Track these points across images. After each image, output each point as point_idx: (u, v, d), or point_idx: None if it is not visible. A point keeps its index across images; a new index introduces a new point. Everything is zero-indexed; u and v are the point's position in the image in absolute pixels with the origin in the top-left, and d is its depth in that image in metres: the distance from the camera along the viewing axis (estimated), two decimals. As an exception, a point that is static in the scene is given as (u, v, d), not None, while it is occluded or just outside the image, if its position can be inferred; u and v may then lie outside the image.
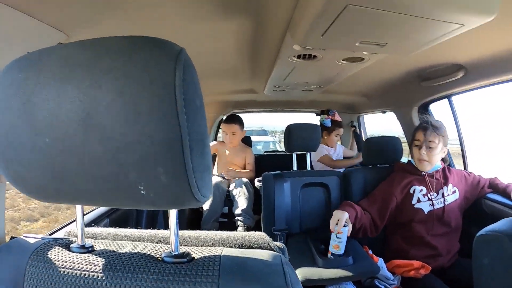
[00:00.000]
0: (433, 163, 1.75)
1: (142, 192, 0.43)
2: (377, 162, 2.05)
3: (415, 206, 1.73)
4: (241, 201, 2.60)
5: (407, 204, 1.75)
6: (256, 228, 2.53)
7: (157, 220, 2.18)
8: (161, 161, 0.41)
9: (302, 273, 1.45)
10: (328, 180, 2.07)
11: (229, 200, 2.75)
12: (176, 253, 0.54)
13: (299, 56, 1.53)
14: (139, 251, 0.56)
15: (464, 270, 1.59)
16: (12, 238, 0.67)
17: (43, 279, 0.54)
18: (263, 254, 0.54)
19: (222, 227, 2.84)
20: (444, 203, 1.71)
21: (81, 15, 1.02)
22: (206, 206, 2.62)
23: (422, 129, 1.75)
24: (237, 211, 2.59)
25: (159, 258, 0.54)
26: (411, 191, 1.76)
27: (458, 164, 2.11)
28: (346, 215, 1.58)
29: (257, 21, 1.25)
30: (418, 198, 1.74)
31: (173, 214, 0.54)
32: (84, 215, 0.63)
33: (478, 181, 1.81)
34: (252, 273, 0.51)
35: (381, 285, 1.55)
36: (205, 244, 0.63)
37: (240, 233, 0.64)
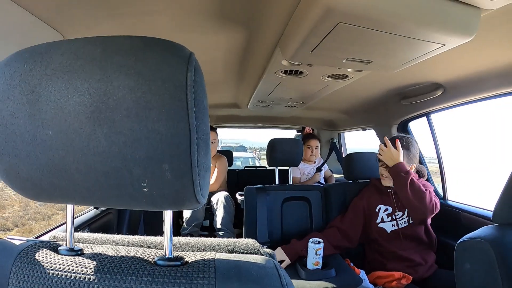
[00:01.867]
0: None
1: (145, 189, 0.43)
2: (358, 178, 2.10)
3: (379, 225, 1.78)
4: (221, 215, 2.60)
5: (372, 222, 1.80)
6: (237, 242, 2.51)
7: (138, 233, 2.12)
8: (168, 158, 0.41)
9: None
10: (309, 194, 2.11)
11: (210, 214, 2.74)
12: (170, 256, 0.53)
13: (285, 72, 1.57)
14: (131, 254, 0.55)
15: (444, 280, 1.63)
16: None
17: (29, 281, 0.51)
18: (256, 258, 0.54)
19: None
20: (408, 221, 1.75)
21: (78, 17, 1.03)
22: (187, 214, 2.62)
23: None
24: (217, 225, 2.59)
25: (152, 262, 0.53)
26: (377, 210, 1.81)
27: (437, 183, 2.19)
28: (286, 261, 1.71)
29: (248, 35, 1.29)
30: (382, 218, 1.79)
31: (168, 217, 0.54)
32: (65, 223, 0.60)
33: None
34: (248, 275, 0.50)
35: (363, 296, 1.57)
36: (196, 249, 0.62)
37: (230, 240, 0.63)
